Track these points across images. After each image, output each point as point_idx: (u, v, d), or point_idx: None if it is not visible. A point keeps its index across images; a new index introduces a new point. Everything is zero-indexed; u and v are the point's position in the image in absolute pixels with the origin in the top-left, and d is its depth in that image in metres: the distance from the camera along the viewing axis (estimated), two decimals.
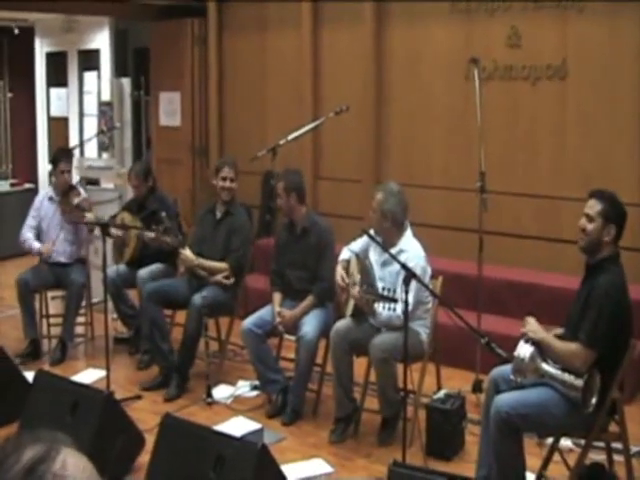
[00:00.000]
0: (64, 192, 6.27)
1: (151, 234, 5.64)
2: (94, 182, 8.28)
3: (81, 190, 6.49)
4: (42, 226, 6.29)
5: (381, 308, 4.36)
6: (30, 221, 6.31)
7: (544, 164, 6.42)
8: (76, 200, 6.18)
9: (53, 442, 1.23)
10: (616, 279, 3.62)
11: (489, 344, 3.69)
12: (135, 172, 6.18)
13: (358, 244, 4.95)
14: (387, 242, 4.62)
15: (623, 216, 3.68)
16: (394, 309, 4.12)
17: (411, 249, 4.64)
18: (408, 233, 4.74)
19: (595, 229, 3.65)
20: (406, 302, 3.77)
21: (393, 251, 4.53)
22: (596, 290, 3.58)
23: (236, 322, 5.64)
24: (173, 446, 3.81)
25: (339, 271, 4.82)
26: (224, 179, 5.60)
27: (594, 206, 3.66)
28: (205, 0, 8.60)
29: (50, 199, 6.34)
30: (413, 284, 3.99)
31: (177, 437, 3.83)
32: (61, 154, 6.37)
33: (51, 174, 6.45)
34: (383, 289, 4.20)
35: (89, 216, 6.11)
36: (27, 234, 6.27)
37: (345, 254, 4.93)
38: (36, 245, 6.21)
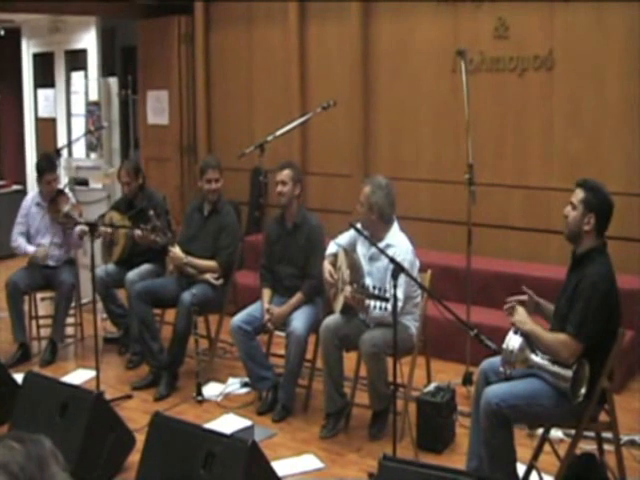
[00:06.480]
0: (51, 199, 6.21)
1: (140, 232, 5.62)
2: (82, 182, 8.25)
3: (69, 194, 6.42)
4: (31, 232, 6.25)
5: (372, 307, 4.33)
6: (19, 227, 6.26)
7: (532, 155, 6.41)
8: (66, 208, 6.10)
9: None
10: (603, 270, 3.60)
11: (478, 336, 3.68)
12: (126, 168, 6.15)
13: (345, 238, 4.91)
14: (374, 236, 4.59)
15: (605, 206, 3.63)
16: (385, 308, 4.08)
17: (398, 243, 4.61)
18: (395, 227, 4.71)
19: (575, 217, 3.64)
20: (395, 297, 3.74)
21: (380, 246, 4.52)
22: (584, 281, 3.56)
23: (226, 319, 5.62)
24: (163, 445, 3.79)
25: (327, 267, 4.78)
26: (209, 181, 5.58)
27: (578, 194, 3.66)
28: None
29: (38, 205, 6.28)
30: (402, 278, 3.97)
31: (167, 436, 3.80)
32: (44, 165, 6.16)
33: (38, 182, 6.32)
34: (374, 288, 4.17)
35: (80, 227, 6.05)
36: (19, 240, 6.23)
37: (332, 248, 4.89)
38: (30, 248, 6.17)
